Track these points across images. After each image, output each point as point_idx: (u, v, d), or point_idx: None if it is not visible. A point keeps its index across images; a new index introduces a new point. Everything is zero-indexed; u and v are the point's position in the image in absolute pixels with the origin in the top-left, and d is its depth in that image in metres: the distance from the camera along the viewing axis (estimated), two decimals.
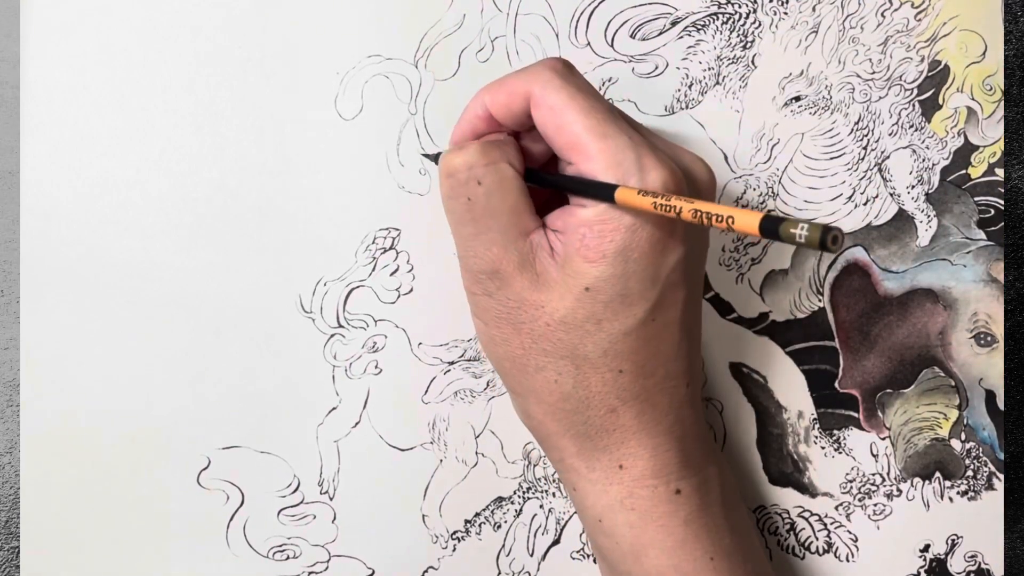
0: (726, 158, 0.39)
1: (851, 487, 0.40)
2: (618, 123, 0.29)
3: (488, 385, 0.38)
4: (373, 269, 0.38)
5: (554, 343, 0.30)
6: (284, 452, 0.38)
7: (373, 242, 0.38)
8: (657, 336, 0.30)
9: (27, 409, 0.36)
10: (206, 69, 0.37)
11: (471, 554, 0.39)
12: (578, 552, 0.39)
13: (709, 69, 0.39)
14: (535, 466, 0.39)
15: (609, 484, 0.32)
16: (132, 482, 0.37)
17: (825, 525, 0.40)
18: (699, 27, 0.38)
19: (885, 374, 0.40)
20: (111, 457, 0.37)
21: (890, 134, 0.39)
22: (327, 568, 0.38)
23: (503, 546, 0.39)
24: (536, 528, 0.39)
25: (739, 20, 0.39)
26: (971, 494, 0.40)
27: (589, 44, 0.38)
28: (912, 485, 0.40)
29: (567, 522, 0.39)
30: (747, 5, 0.39)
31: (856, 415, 0.40)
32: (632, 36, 0.38)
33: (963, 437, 0.40)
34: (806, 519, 0.40)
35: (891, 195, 0.39)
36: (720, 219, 0.25)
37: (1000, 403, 0.40)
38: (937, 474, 0.40)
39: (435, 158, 0.37)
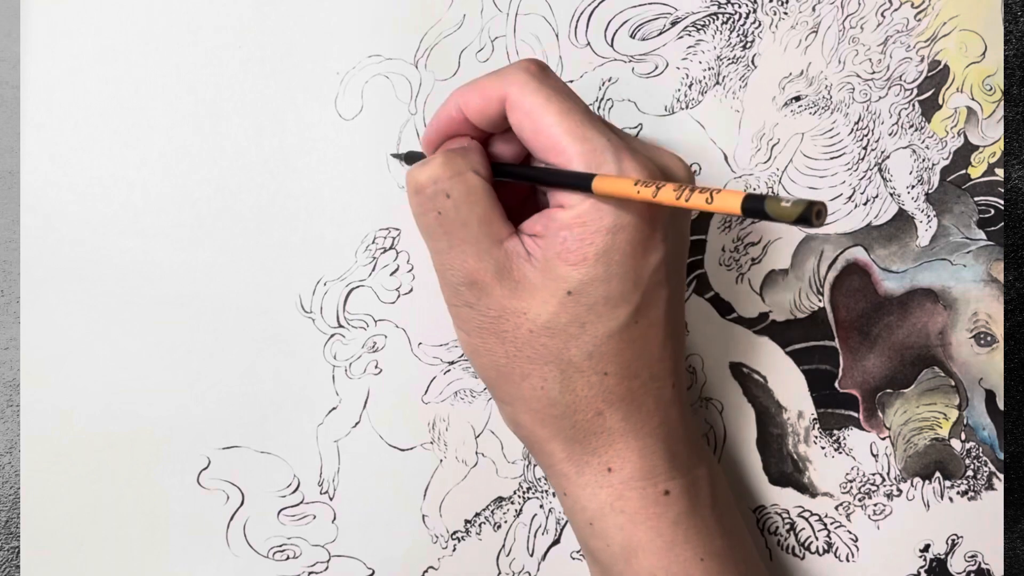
0: (726, 158, 0.39)
1: (851, 487, 0.40)
2: (596, 125, 0.29)
3: None
4: (373, 269, 0.38)
5: (538, 349, 0.30)
6: (284, 452, 0.38)
7: (373, 242, 0.38)
8: (642, 337, 0.30)
9: (27, 409, 0.36)
10: (206, 69, 0.37)
11: (471, 554, 0.39)
12: (578, 552, 0.39)
13: (709, 69, 0.39)
14: (535, 466, 0.39)
15: (599, 487, 0.31)
16: (132, 482, 0.37)
17: (825, 525, 0.40)
18: (699, 27, 0.38)
19: (885, 374, 0.40)
20: (111, 457, 0.37)
21: (890, 134, 0.39)
22: (327, 568, 0.38)
23: (503, 546, 0.39)
24: (536, 528, 0.39)
25: (739, 20, 0.39)
26: (971, 494, 0.40)
27: (589, 44, 0.38)
28: (912, 485, 0.40)
29: (567, 522, 0.39)
30: (747, 5, 0.38)
31: (856, 415, 0.40)
32: (632, 36, 0.38)
33: (963, 437, 0.40)
34: (806, 519, 0.40)
35: (891, 195, 0.39)
36: (705, 191, 0.24)
37: (1000, 403, 0.40)
38: (937, 474, 0.40)
39: (404, 157, 0.37)
